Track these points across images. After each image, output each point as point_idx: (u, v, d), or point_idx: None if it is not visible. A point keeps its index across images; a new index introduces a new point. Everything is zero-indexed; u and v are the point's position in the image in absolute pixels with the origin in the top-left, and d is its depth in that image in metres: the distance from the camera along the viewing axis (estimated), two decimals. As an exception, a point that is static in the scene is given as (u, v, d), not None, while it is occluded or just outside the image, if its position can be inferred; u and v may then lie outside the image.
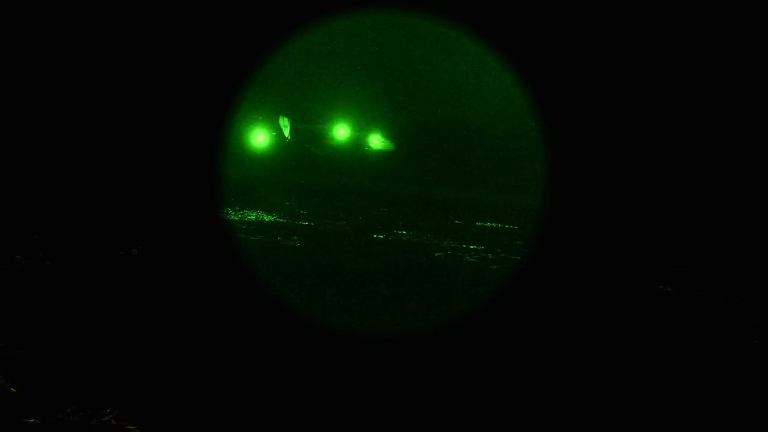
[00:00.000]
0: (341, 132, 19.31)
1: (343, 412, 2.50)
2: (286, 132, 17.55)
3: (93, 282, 4.00)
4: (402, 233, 7.46)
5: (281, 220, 7.92)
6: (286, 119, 18.44)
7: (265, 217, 7.99)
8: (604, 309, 4.70)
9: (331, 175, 15.65)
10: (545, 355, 3.50)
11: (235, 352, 2.98)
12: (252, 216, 8.00)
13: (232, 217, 7.73)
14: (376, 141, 17.61)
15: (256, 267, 4.91)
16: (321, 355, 3.12)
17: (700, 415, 2.84)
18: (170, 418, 2.15)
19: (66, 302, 3.50)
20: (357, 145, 18.01)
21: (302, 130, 18.42)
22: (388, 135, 18.48)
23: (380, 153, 17.95)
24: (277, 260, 5.34)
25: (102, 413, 2.21)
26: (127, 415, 2.07)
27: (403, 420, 2.48)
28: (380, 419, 2.47)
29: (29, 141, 10.00)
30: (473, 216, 9.77)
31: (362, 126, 18.96)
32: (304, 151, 17.29)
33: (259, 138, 17.32)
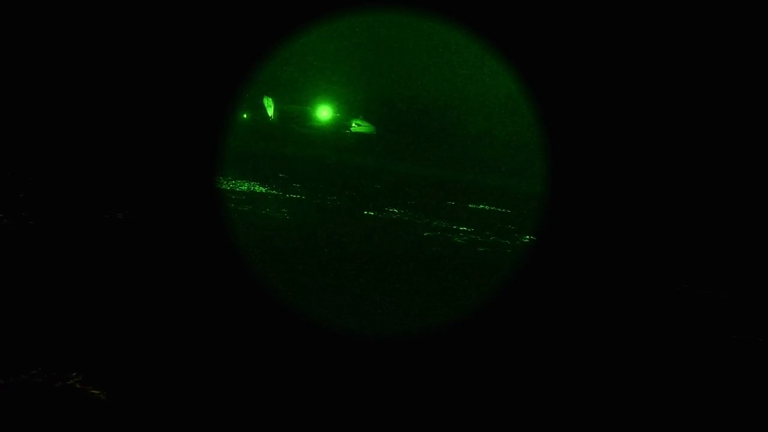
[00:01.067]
0: (324, 113, 19.59)
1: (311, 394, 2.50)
2: (270, 111, 18.01)
3: (71, 245, 3.95)
4: (393, 211, 7.42)
5: (273, 192, 7.87)
6: (270, 99, 18.67)
7: (256, 188, 7.93)
8: (594, 298, 4.70)
9: (319, 148, 15.76)
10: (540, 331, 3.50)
11: (204, 322, 2.96)
12: (244, 186, 7.94)
13: (224, 187, 7.67)
14: (358, 125, 17.96)
15: (238, 239, 4.87)
16: (289, 336, 3.10)
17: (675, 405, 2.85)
18: (136, 384, 2.13)
19: (41, 263, 3.46)
20: (339, 127, 18.26)
21: (287, 111, 18.75)
22: (369, 119, 18.69)
23: (361, 135, 18.17)
24: (263, 233, 5.30)
25: (68, 376, 2.19)
26: (93, 380, 2.05)
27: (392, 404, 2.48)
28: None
29: (31, 97, 9.89)
30: (466, 198, 9.72)
31: (345, 109, 19.21)
32: (289, 130, 17.80)
33: (247, 114, 18.04)
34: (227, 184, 7.89)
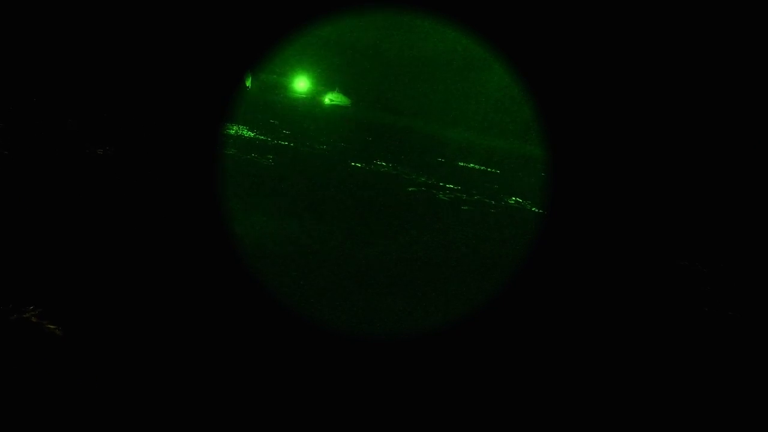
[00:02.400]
0: (301, 84, 19.39)
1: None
2: (248, 80, 17.84)
3: (44, 178, 3.88)
4: (381, 164, 7.35)
5: (261, 137, 7.75)
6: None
7: (244, 133, 7.81)
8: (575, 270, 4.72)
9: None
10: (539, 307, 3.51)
11: (163, 267, 2.93)
12: (232, 130, 7.82)
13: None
14: (332, 99, 17.76)
15: (216, 182, 4.80)
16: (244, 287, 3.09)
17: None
18: (92, 321, 2.12)
19: (9, 195, 3.40)
20: (315, 99, 18.12)
21: (265, 80, 18.52)
22: (345, 91, 18.53)
23: (336, 107, 18.05)
24: (242, 178, 5.23)
25: (23, 310, 2.16)
26: (50, 315, 2.03)
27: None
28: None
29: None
30: (456, 155, 9.65)
31: (323, 80, 19.01)
32: (264, 99, 17.74)
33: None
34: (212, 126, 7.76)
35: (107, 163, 4.49)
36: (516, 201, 6.59)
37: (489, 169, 9.36)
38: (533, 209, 6.36)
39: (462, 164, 9.36)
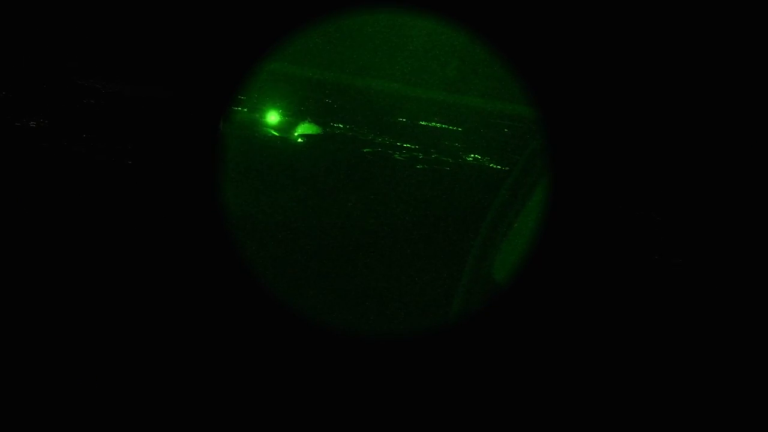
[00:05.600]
0: (272, 118, 18.54)
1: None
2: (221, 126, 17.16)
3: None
4: (338, 126, 7.20)
5: (214, 103, 7.52)
6: None
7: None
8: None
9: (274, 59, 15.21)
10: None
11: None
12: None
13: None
14: (304, 130, 16.96)
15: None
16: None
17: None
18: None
19: None
20: (286, 132, 17.36)
21: (232, 117, 17.79)
22: (319, 112, 17.86)
23: (308, 144, 17.31)
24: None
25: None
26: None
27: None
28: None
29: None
30: (419, 114, 9.51)
31: (292, 111, 18.31)
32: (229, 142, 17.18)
33: None
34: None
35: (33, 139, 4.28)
36: (474, 158, 6.52)
37: (451, 127, 9.23)
38: (491, 165, 6.30)
39: (424, 123, 9.20)
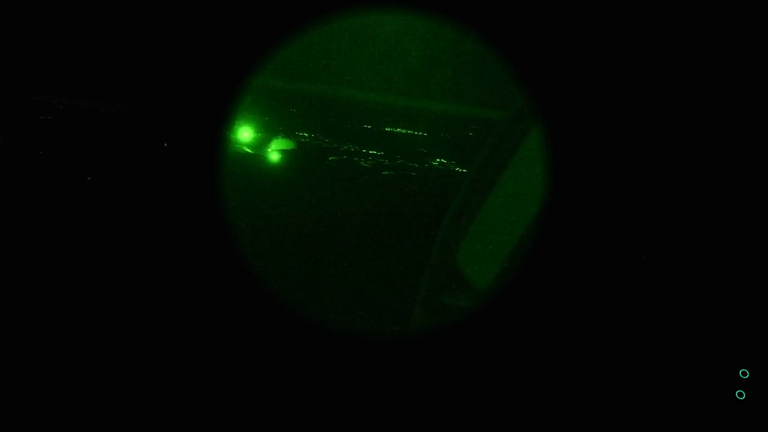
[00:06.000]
0: (245, 134, 18.35)
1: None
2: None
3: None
4: (303, 135, 7.18)
5: (175, 115, 7.43)
6: None
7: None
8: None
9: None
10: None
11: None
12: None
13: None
14: (277, 146, 16.73)
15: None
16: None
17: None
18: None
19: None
20: (260, 148, 17.13)
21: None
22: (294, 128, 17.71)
23: (281, 152, 17.16)
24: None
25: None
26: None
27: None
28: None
29: None
30: (384, 120, 9.54)
31: (265, 127, 18.10)
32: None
33: None
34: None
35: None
36: (440, 162, 6.57)
37: (416, 132, 9.28)
38: (457, 169, 6.35)
39: (389, 129, 9.23)
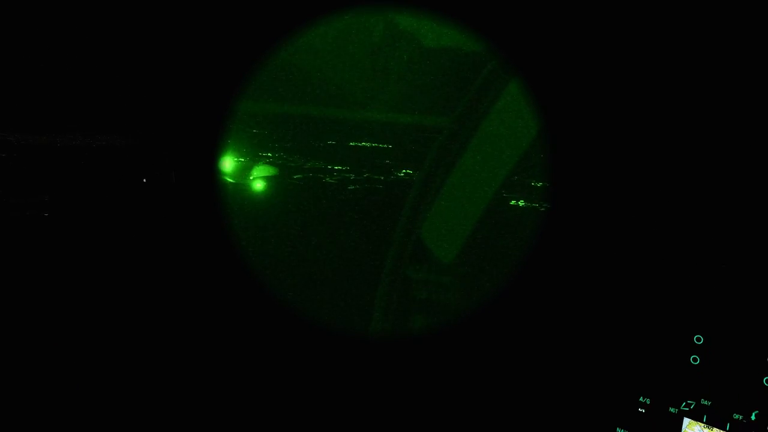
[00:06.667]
0: (227, 165, 18.15)
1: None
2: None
3: None
4: (267, 155, 7.16)
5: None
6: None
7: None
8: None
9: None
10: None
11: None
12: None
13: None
14: (259, 173, 16.56)
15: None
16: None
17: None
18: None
19: None
20: (241, 177, 16.97)
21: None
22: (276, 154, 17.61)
23: (264, 179, 17.01)
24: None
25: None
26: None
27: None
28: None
29: None
30: (348, 135, 9.57)
31: (247, 155, 17.97)
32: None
33: None
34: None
35: None
36: (405, 173, 6.61)
37: (382, 145, 9.34)
38: (422, 179, 6.40)
39: (354, 143, 9.27)
